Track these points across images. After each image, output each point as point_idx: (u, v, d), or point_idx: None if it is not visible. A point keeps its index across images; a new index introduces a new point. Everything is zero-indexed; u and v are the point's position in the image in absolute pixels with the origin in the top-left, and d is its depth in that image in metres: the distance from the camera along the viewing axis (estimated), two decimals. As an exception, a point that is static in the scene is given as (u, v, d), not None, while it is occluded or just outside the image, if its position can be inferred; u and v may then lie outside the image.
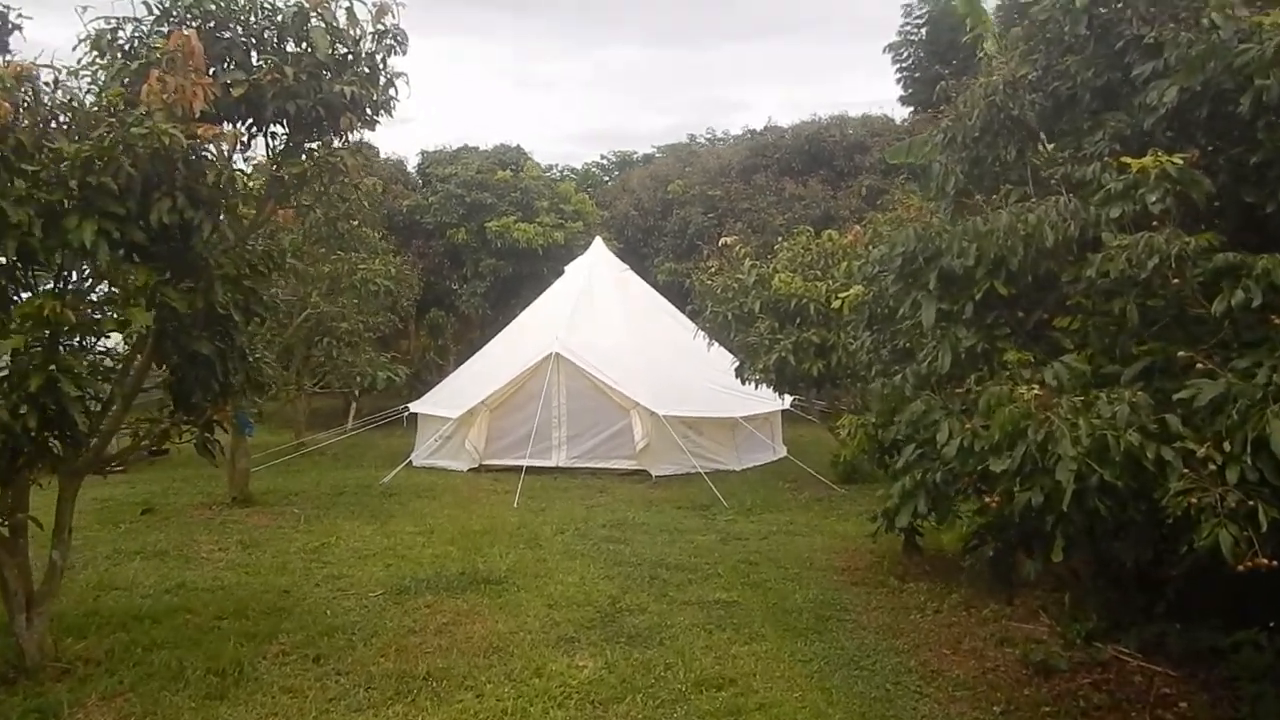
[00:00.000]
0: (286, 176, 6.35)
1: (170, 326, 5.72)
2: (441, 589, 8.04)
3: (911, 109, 23.35)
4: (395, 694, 5.81)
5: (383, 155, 23.86)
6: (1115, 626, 6.37)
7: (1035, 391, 4.06)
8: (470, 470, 14.31)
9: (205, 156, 5.46)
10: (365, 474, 14.30)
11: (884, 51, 23.57)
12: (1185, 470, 3.78)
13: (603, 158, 38.36)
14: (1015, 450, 4.06)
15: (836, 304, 8.31)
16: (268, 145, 6.46)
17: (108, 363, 6.24)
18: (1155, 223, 4.31)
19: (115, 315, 5.45)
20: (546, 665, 6.26)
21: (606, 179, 35.31)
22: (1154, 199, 4.35)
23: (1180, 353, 4.05)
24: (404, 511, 11.52)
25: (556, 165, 31.20)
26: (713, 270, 13.43)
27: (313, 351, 14.01)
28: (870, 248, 9.05)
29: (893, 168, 20.80)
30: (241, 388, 6.35)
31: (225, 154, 5.69)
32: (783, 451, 15.77)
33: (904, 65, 23.53)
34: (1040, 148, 5.88)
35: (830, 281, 11.48)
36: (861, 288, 7.27)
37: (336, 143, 6.40)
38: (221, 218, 5.83)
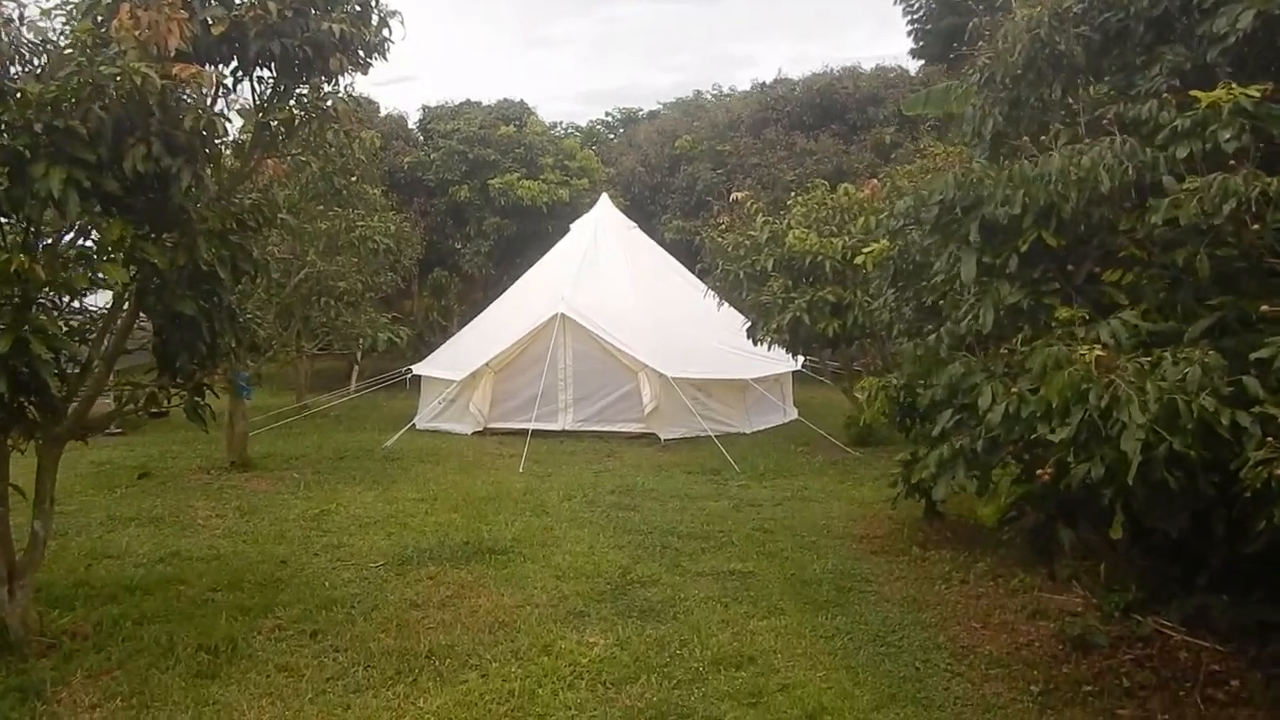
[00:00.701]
0: (274, 123, 5.92)
1: (151, 284, 5.35)
2: (445, 559, 7.75)
3: (923, 61, 22.63)
4: (396, 673, 5.52)
5: (384, 112, 23.29)
6: (1154, 598, 6.02)
7: (1097, 352, 3.66)
8: (475, 434, 14.01)
9: (183, 100, 5.03)
10: (368, 437, 13.99)
11: (895, 3, 22.80)
12: (1266, 438, 3.41)
13: (608, 115, 37.34)
14: (1071, 417, 3.69)
15: (859, 260, 7.87)
16: (254, 90, 6.03)
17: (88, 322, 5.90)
18: (1231, 162, 3.88)
19: (90, 272, 5.06)
20: (555, 642, 5.95)
21: (612, 136, 34.46)
22: (1228, 136, 3.92)
23: (1264, 307, 3.64)
24: (407, 477, 11.23)
25: (561, 122, 30.44)
26: (723, 227, 12.96)
27: (311, 312, 13.60)
28: (889, 201, 8.61)
29: (907, 120, 20.20)
30: (230, 349, 6.00)
31: (205, 97, 5.25)
32: (794, 414, 15.44)
33: (916, 17, 22.76)
34: (1082, 90, 5.42)
35: (846, 237, 11.06)
36: (886, 242, 6.83)
37: (327, 87, 5.95)
38: (208, 169, 5.44)
